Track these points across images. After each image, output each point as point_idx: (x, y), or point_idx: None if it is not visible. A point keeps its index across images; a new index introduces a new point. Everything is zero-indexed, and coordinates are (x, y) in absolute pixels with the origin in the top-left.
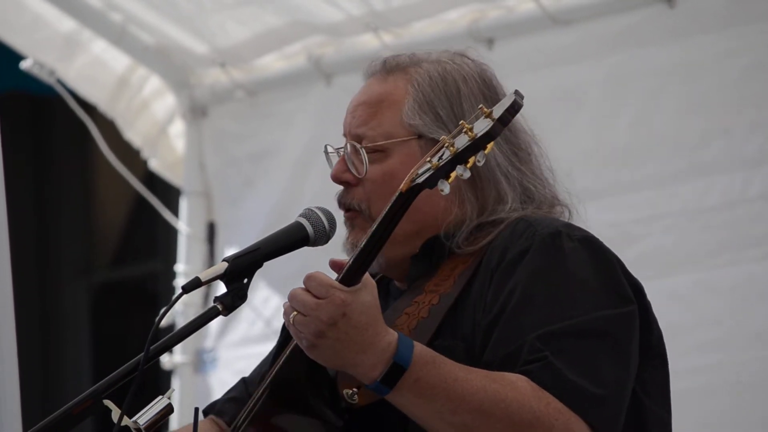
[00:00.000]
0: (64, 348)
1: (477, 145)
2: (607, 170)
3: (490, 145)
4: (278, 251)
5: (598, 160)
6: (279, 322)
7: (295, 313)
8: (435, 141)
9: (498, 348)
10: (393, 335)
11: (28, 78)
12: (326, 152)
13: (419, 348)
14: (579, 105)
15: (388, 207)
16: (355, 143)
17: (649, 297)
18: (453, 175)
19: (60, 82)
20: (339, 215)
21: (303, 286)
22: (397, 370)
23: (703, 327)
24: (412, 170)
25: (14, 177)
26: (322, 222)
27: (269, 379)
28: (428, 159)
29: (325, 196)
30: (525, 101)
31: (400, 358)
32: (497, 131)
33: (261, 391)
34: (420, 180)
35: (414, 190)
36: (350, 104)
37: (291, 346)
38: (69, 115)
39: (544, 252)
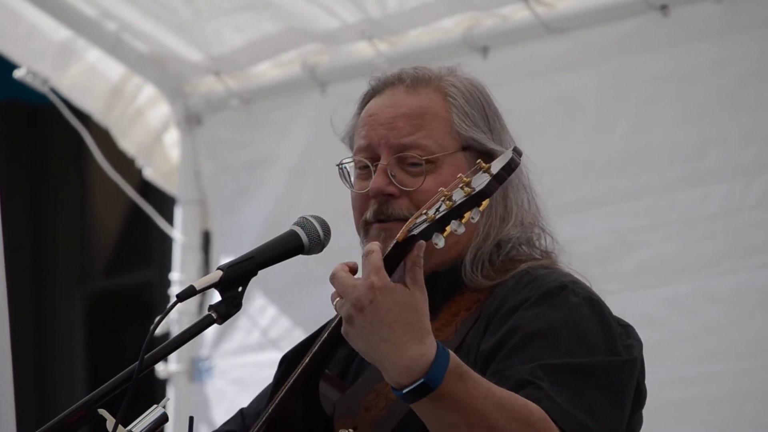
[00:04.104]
0: (59, 357)
1: (472, 201)
2: (605, 178)
3: (485, 203)
4: (273, 259)
5: (594, 169)
6: (275, 331)
7: (338, 298)
8: (479, 153)
9: (492, 378)
10: (430, 347)
11: (22, 87)
12: (341, 167)
13: (453, 364)
14: (574, 113)
15: (384, 255)
16: (407, 153)
17: (648, 305)
18: (448, 229)
19: (54, 91)
20: (333, 224)
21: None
22: (424, 389)
23: (703, 335)
24: (410, 220)
25: (9, 186)
26: (317, 230)
27: (265, 416)
28: (424, 211)
29: (321, 204)
30: (519, 109)
31: (431, 378)
32: (492, 189)
33: (257, 429)
34: (416, 231)
35: (409, 242)
36: (379, 116)
37: (288, 384)
38: (63, 125)
39: (547, 301)
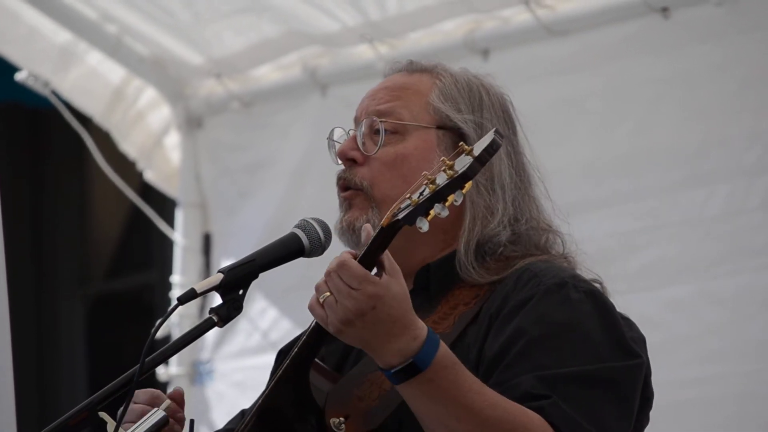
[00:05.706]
0: (60, 359)
1: (455, 184)
2: (607, 180)
3: (468, 185)
4: (274, 262)
5: (597, 170)
6: (276, 334)
7: (327, 294)
8: (453, 133)
9: (497, 388)
10: (421, 330)
11: (23, 90)
12: (331, 138)
13: (442, 350)
14: (575, 116)
15: (370, 240)
16: (376, 118)
17: (650, 307)
18: (432, 213)
19: (55, 93)
20: (333, 221)
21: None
22: (413, 369)
23: (705, 337)
24: (394, 205)
25: (10, 188)
26: (318, 233)
27: (256, 406)
28: (408, 195)
29: (322, 206)
30: (521, 112)
31: (420, 359)
32: (475, 171)
33: (248, 418)
34: (400, 216)
35: (394, 227)
36: (369, 92)
37: (279, 374)
38: (64, 127)
39: (548, 300)
